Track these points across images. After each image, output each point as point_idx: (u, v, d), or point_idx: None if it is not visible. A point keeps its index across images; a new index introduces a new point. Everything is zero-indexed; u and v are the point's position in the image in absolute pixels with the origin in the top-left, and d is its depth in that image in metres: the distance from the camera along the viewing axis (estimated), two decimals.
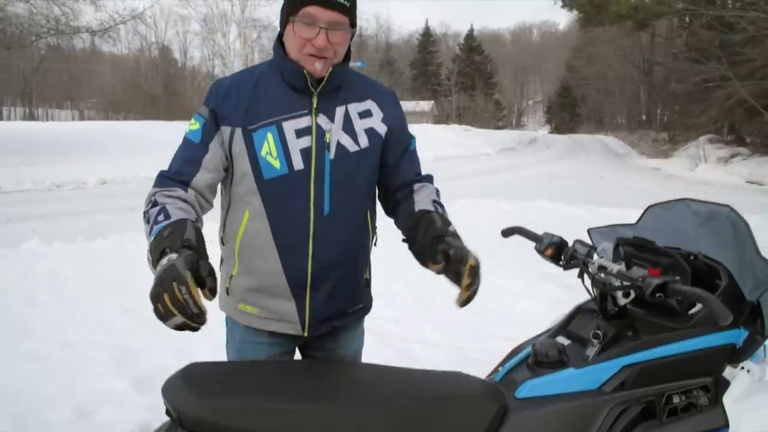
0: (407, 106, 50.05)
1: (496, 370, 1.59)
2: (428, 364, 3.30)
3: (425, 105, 54.24)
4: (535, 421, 1.35)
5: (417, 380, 1.43)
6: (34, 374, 2.99)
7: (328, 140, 1.47)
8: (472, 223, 7.35)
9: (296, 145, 1.46)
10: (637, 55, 37.44)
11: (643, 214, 1.81)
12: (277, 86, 1.49)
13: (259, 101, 1.48)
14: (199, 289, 1.08)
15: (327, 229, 1.48)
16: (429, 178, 1.67)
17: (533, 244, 1.75)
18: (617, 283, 1.45)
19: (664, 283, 1.32)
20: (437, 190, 1.61)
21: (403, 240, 1.48)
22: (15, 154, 13.86)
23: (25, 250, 5.47)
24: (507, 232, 1.86)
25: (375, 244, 1.67)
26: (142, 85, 52.05)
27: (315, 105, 1.48)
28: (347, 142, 1.50)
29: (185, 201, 1.40)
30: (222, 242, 1.59)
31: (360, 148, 1.52)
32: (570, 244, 1.68)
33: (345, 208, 1.51)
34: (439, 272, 1.34)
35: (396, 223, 1.59)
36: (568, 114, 64.62)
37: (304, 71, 1.44)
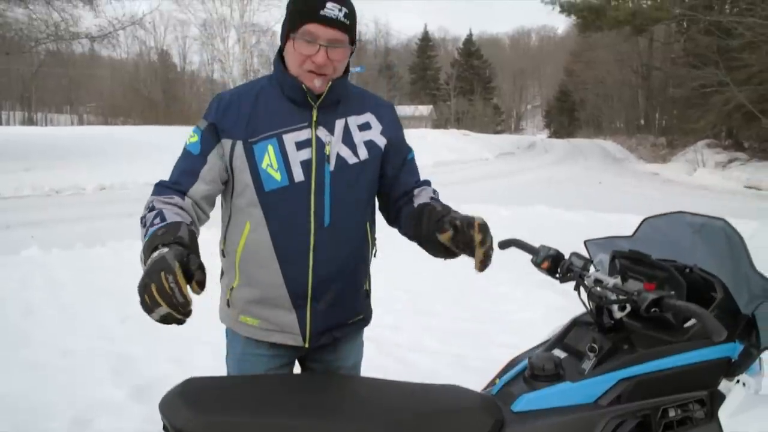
0: (406, 110, 50.16)
1: (493, 383, 1.60)
2: (427, 372, 3.31)
3: (424, 109, 54.32)
4: None
5: (414, 394, 1.43)
6: (32, 382, 2.99)
7: (327, 152, 1.49)
8: None
9: (297, 157, 1.47)
10: (635, 59, 37.53)
11: (639, 227, 1.82)
12: (277, 100, 1.51)
13: (260, 114, 1.49)
14: (188, 285, 1.09)
15: (327, 240, 1.49)
16: (427, 183, 1.68)
17: None
18: (613, 296, 1.46)
19: (659, 298, 1.33)
20: (435, 191, 1.63)
21: (410, 238, 1.50)
22: (14, 159, 13.86)
23: (24, 258, 5.47)
24: (504, 245, 1.86)
25: (375, 256, 1.68)
26: (141, 90, 52.10)
27: (315, 118, 1.50)
28: (347, 154, 1.52)
29: (182, 208, 1.41)
30: (223, 254, 1.61)
31: (359, 160, 1.53)
32: (566, 256, 1.69)
33: (345, 219, 1.52)
34: (449, 243, 1.33)
35: (400, 230, 1.61)
36: (566, 118, 64.71)
37: (303, 86, 1.46)
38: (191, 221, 1.38)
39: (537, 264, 1.70)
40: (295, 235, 1.48)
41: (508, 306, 4.45)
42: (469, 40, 66.98)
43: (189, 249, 1.18)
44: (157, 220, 1.30)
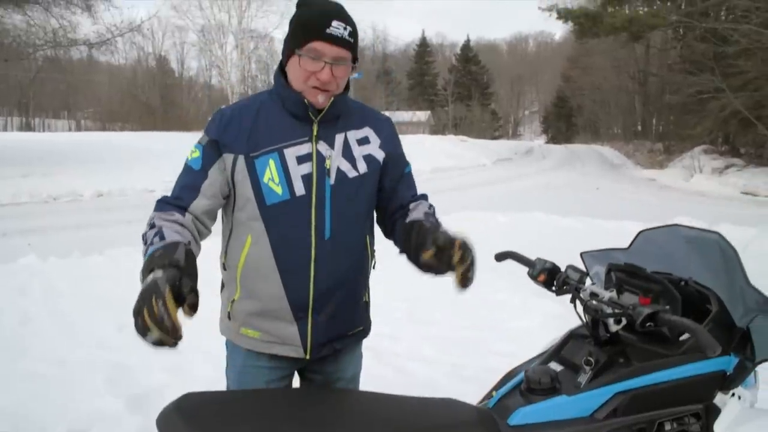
0: (404, 116, 50.26)
1: (489, 395, 1.60)
2: (424, 381, 3.31)
3: (422, 115, 54.46)
4: None
5: (412, 408, 1.44)
6: (28, 392, 2.98)
7: (328, 166, 1.51)
8: (470, 237, 7.39)
9: (297, 171, 1.50)
10: (632, 66, 37.67)
11: (634, 239, 1.84)
12: (277, 114, 1.53)
13: (261, 129, 1.51)
14: (180, 308, 1.11)
15: (328, 253, 1.52)
16: (424, 197, 1.71)
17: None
18: (609, 310, 1.47)
19: (654, 313, 1.34)
20: (431, 206, 1.65)
21: (400, 252, 1.53)
22: (11, 165, 13.85)
23: (21, 266, 5.46)
24: (500, 257, 1.87)
25: (374, 267, 1.70)
26: (139, 96, 52.17)
27: (315, 132, 1.52)
28: (347, 167, 1.54)
29: (182, 225, 1.43)
30: (224, 267, 1.62)
31: (359, 174, 1.56)
32: (563, 268, 1.70)
33: (345, 232, 1.54)
34: (432, 263, 1.37)
35: (395, 242, 1.63)
36: (564, 124, 64.86)
37: (306, 101, 1.49)
38: (190, 240, 1.39)
39: (533, 277, 1.72)
40: (296, 248, 1.50)
41: (505, 314, 4.45)
42: (466, 45, 67.21)
43: (184, 270, 1.19)
44: (156, 239, 1.33)
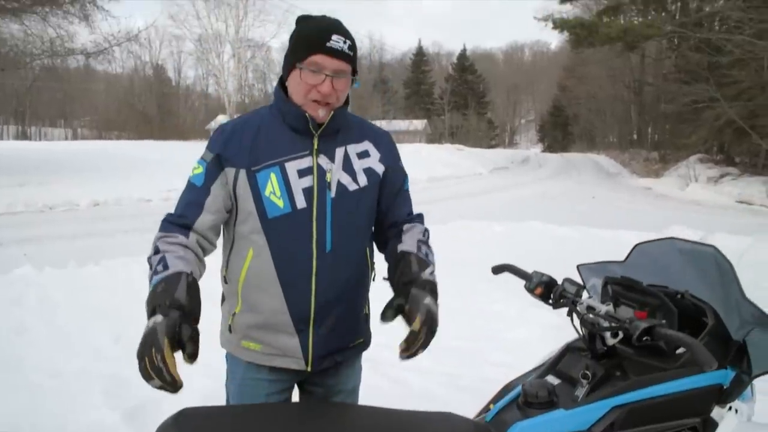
0: (400, 125, 50.32)
1: (487, 408, 1.60)
2: (420, 392, 3.30)
3: (418, 124, 54.53)
4: None
5: (411, 422, 1.43)
6: (24, 404, 2.96)
7: (329, 180, 1.53)
8: (466, 246, 7.39)
9: (299, 184, 1.52)
10: (627, 75, 37.85)
11: (631, 252, 1.84)
12: (278, 129, 1.55)
13: (262, 143, 1.53)
14: (181, 352, 1.17)
15: (329, 265, 1.53)
16: (419, 218, 1.73)
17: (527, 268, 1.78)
18: (605, 323, 1.47)
19: (650, 327, 1.35)
20: (426, 230, 1.68)
21: (384, 278, 1.57)
22: (7, 174, 13.81)
23: (17, 276, 5.43)
24: (497, 270, 1.88)
25: (374, 280, 1.72)
26: (135, 104, 52.21)
27: (316, 146, 1.54)
28: (347, 181, 1.56)
29: (186, 247, 1.46)
30: (225, 281, 1.63)
31: (359, 187, 1.58)
32: (559, 282, 1.71)
33: (346, 244, 1.56)
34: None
35: (384, 258, 1.66)
36: (560, 133, 65.07)
37: (307, 115, 1.50)
38: (192, 270, 1.41)
39: (530, 290, 1.72)
40: (297, 260, 1.52)
41: (502, 324, 4.44)
42: (463, 55, 67.47)
43: (185, 310, 1.25)
44: (160, 267, 1.36)
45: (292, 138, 1.54)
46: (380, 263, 1.72)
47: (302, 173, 1.52)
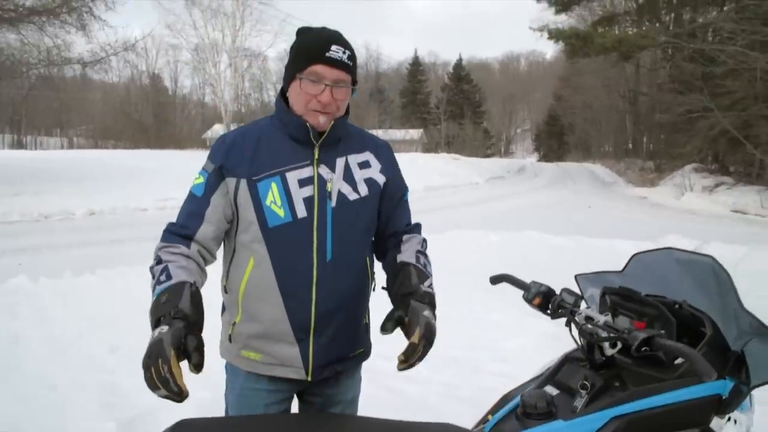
0: (396, 134, 50.46)
1: (485, 419, 1.59)
2: (417, 402, 3.29)
3: (414, 133, 54.68)
4: None
5: None
6: (20, 415, 2.94)
7: (329, 189, 1.54)
8: (463, 255, 7.39)
9: (299, 194, 1.52)
10: (622, 85, 38.07)
11: (628, 262, 1.85)
12: (279, 138, 1.57)
13: (263, 153, 1.55)
14: (184, 363, 1.17)
15: (329, 274, 1.54)
16: (418, 228, 1.74)
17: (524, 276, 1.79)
18: (604, 334, 1.48)
19: (649, 338, 1.35)
20: (424, 241, 1.69)
21: (383, 287, 1.58)
22: (2, 183, 13.76)
23: (12, 286, 5.41)
24: (495, 280, 1.88)
25: (374, 289, 1.72)
26: (132, 114, 52.15)
27: (317, 156, 1.55)
28: (347, 190, 1.57)
29: (188, 257, 1.47)
30: (225, 290, 1.64)
31: (360, 197, 1.59)
32: (557, 292, 1.71)
33: (346, 254, 1.57)
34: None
35: (382, 267, 1.67)
36: (556, 142, 65.29)
37: (308, 124, 1.52)
38: (195, 280, 1.42)
39: (528, 300, 1.73)
40: (298, 270, 1.52)
41: (500, 333, 4.44)
42: (459, 64, 67.71)
43: (190, 320, 1.26)
44: (163, 277, 1.38)
45: (293, 148, 1.55)
46: (380, 273, 1.73)
47: (303, 183, 1.53)
